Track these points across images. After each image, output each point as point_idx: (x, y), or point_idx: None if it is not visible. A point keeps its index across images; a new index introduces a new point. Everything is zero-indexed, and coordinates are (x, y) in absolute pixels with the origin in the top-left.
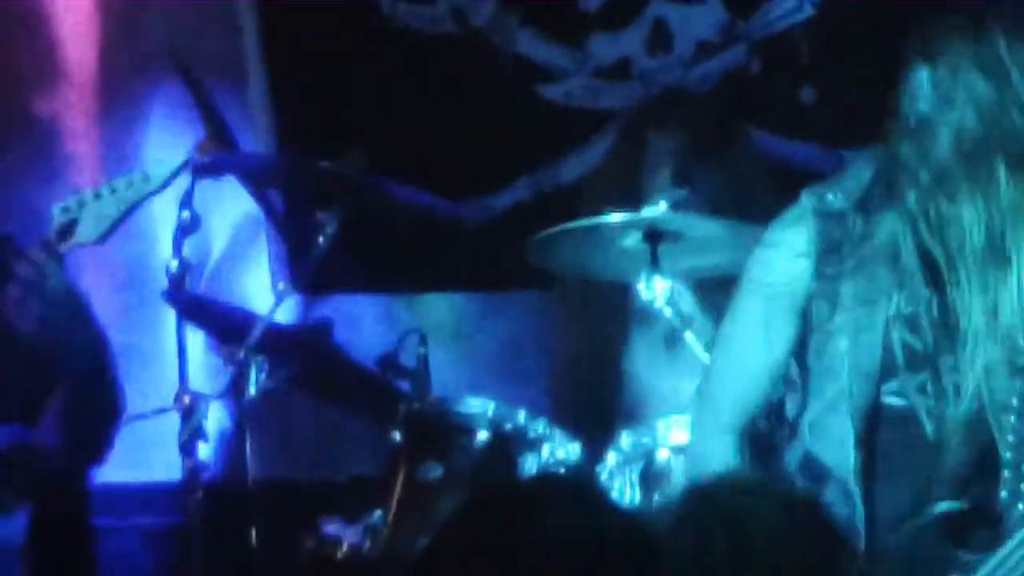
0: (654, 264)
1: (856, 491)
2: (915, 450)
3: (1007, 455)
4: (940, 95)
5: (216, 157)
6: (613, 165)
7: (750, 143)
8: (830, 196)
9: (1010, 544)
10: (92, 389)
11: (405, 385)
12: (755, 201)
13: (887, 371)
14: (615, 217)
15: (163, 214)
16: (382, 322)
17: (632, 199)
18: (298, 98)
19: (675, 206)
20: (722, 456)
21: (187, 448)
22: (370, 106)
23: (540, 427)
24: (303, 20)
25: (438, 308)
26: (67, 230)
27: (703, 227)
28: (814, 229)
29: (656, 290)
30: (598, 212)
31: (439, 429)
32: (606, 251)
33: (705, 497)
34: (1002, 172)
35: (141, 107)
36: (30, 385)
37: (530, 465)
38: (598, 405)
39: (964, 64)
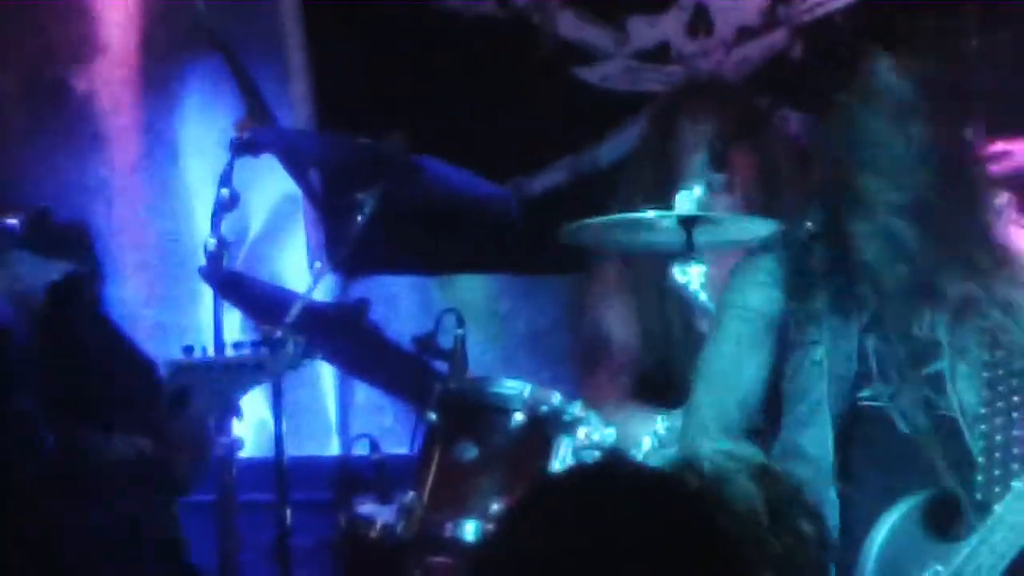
0: (689, 248)
1: (833, 496)
2: (891, 442)
3: (980, 460)
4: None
5: (255, 133)
6: (646, 149)
7: (784, 128)
8: (801, 224)
9: (980, 532)
10: None
11: (442, 365)
12: (786, 184)
13: (862, 378)
14: (653, 202)
15: (201, 191)
16: (419, 302)
17: (667, 183)
18: (337, 76)
19: (710, 190)
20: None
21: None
22: (409, 85)
23: (576, 410)
24: None
25: (475, 289)
26: (180, 396)
27: (739, 212)
28: (783, 255)
29: (691, 274)
30: (633, 195)
31: (475, 410)
32: (641, 235)
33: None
34: None
35: (179, 83)
36: None
37: (565, 447)
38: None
39: None
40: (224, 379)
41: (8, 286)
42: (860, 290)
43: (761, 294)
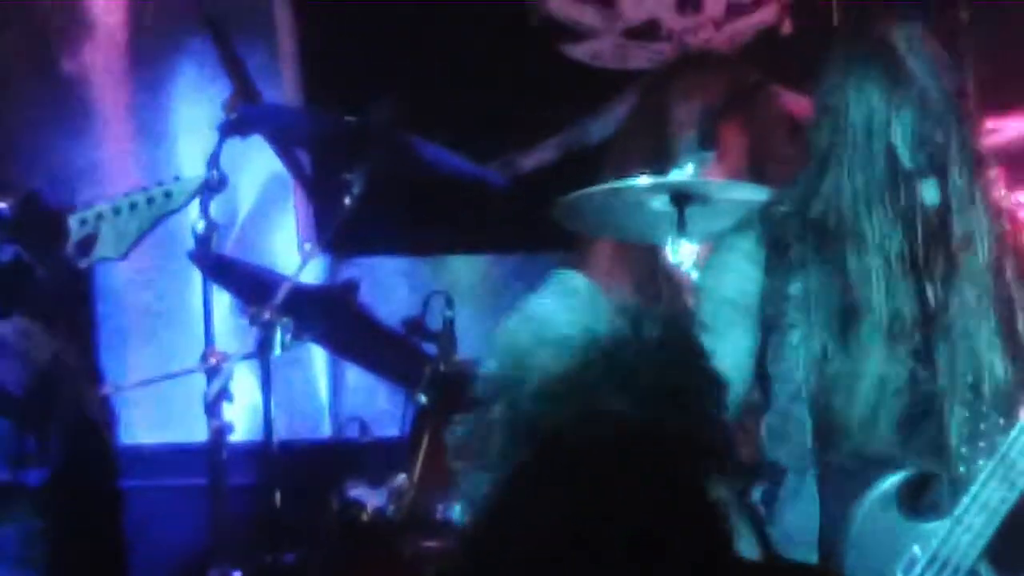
0: (681, 227)
1: (813, 482)
2: None
3: (964, 430)
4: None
5: (244, 110)
6: (636, 126)
7: (774, 103)
8: (778, 202)
9: (957, 512)
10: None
11: (431, 347)
12: (776, 161)
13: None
14: (642, 181)
15: (190, 174)
16: (408, 283)
17: (658, 160)
18: (326, 55)
19: (702, 168)
20: None
21: (212, 409)
22: (397, 66)
23: None
24: None
25: (464, 270)
26: (86, 244)
27: (730, 190)
28: (760, 231)
29: (683, 253)
30: (624, 173)
31: (465, 391)
32: (633, 213)
33: None
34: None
35: (169, 64)
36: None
37: None
38: None
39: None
40: (131, 218)
41: None
42: (840, 268)
43: (735, 276)
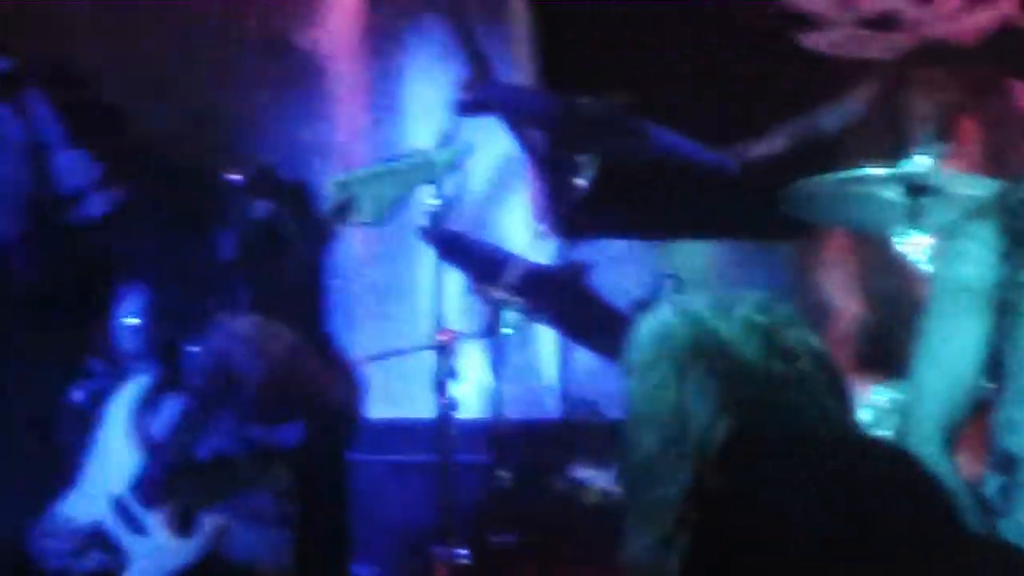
0: (914, 219)
1: None
2: None
3: None
4: None
5: (480, 90)
6: (874, 116)
7: (1013, 98)
8: (1015, 189)
9: None
10: None
11: None
12: (1014, 155)
13: None
14: (877, 170)
15: None
16: (638, 266)
17: (893, 151)
18: (561, 40)
19: (938, 160)
20: (928, 460)
21: (441, 386)
22: (632, 50)
23: None
24: None
25: (695, 254)
26: (344, 208)
27: (966, 184)
28: (998, 220)
29: (915, 245)
30: (858, 163)
31: None
32: (865, 203)
33: None
34: None
35: (403, 41)
36: None
37: None
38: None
39: None
40: (390, 184)
41: None
42: None
43: (972, 263)
